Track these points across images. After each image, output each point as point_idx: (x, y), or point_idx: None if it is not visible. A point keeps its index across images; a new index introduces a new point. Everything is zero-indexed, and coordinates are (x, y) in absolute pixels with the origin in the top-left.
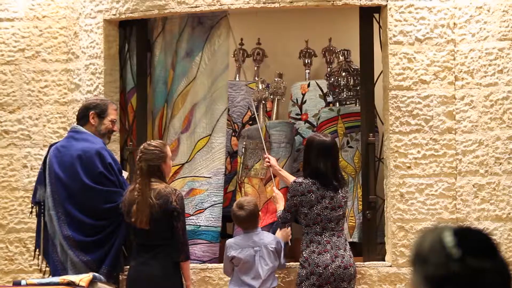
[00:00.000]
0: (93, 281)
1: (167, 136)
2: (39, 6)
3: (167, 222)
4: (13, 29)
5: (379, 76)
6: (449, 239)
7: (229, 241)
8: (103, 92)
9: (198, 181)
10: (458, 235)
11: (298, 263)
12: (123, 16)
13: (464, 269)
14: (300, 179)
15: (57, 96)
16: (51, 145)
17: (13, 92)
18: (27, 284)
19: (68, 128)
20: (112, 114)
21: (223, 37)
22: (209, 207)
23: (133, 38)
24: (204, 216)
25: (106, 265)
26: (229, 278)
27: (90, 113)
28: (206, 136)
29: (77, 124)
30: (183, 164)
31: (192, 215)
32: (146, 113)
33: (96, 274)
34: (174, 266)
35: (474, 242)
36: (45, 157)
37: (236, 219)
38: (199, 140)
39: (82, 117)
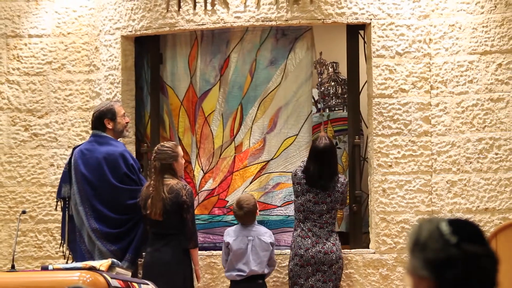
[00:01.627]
0: (111, 266)
1: (252, 136)
2: (64, 24)
3: (178, 214)
4: (42, 44)
5: (364, 86)
6: (445, 227)
7: (227, 230)
8: (120, 99)
9: (285, 175)
10: (452, 224)
11: None
12: (138, 33)
13: (461, 253)
14: (297, 170)
15: (80, 103)
16: (74, 148)
17: (42, 99)
18: (53, 269)
19: (90, 131)
20: (120, 110)
21: (307, 47)
22: None
23: (169, 51)
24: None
25: (130, 253)
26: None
27: (105, 121)
28: (293, 136)
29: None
30: (268, 161)
31: (280, 206)
32: (159, 117)
33: (115, 260)
34: (184, 252)
35: (467, 230)
36: (70, 159)
37: (236, 216)
38: (285, 139)
39: (99, 125)
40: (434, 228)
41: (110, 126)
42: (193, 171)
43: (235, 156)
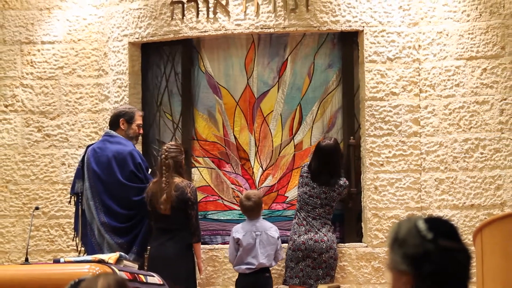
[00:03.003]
0: (119, 259)
1: (312, 135)
2: (75, 31)
3: (182, 210)
4: (54, 50)
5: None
6: (422, 225)
7: (235, 226)
8: (127, 102)
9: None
10: (428, 222)
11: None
12: (144, 40)
13: (437, 247)
14: (305, 164)
15: (89, 105)
16: (88, 146)
17: (54, 102)
18: (65, 262)
19: (99, 132)
20: (138, 119)
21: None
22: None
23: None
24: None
25: (136, 246)
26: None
27: (120, 120)
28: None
29: (109, 129)
30: None
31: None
32: (190, 116)
33: (122, 253)
34: (187, 247)
35: (442, 227)
36: (83, 156)
37: (243, 208)
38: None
39: (114, 123)
40: (412, 226)
41: (123, 127)
42: (252, 168)
43: (294, 154)
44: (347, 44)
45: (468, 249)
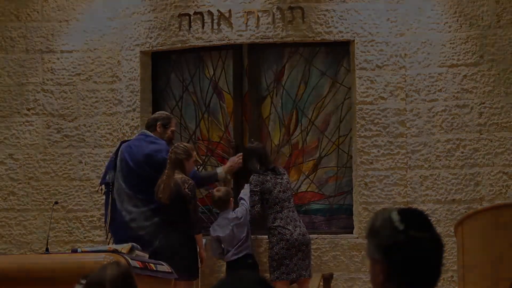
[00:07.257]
0: (131, 249)
1: (309, 136)
2: (91, 41)
3: (180, 204)
4: (72, 58)
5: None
6: (395, 217)
7: (212, 225)
8: (139, 106)
9: (334, 170)
10: (401, 214)
11: (266, 236)
12: (154, 49)
13: (408, 238)
14: (255, 175)
15: (104, 109)
16: (122, 142)
17: (72, 106)
18: (82, 251)
19: (113, 133)
20: (173, 126)
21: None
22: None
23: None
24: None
25: None
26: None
27: (158, 123)
28: (344, 135)
29: (146, 129)
30: (322, 158)
31: (334, 196)
32: (242, 118)
33: (134, 244)
34: (188, 238)
35: (414, 218)
36: (117, 150)
37: (212, 200)
38: (337, 138)
39: (151, 125)
40: (387, 217)
41: (159, 130)
42: None
43: (291, 153)
44: (253, 57)
45: (439, 238)
